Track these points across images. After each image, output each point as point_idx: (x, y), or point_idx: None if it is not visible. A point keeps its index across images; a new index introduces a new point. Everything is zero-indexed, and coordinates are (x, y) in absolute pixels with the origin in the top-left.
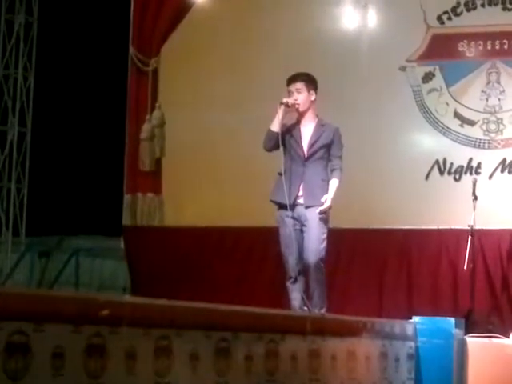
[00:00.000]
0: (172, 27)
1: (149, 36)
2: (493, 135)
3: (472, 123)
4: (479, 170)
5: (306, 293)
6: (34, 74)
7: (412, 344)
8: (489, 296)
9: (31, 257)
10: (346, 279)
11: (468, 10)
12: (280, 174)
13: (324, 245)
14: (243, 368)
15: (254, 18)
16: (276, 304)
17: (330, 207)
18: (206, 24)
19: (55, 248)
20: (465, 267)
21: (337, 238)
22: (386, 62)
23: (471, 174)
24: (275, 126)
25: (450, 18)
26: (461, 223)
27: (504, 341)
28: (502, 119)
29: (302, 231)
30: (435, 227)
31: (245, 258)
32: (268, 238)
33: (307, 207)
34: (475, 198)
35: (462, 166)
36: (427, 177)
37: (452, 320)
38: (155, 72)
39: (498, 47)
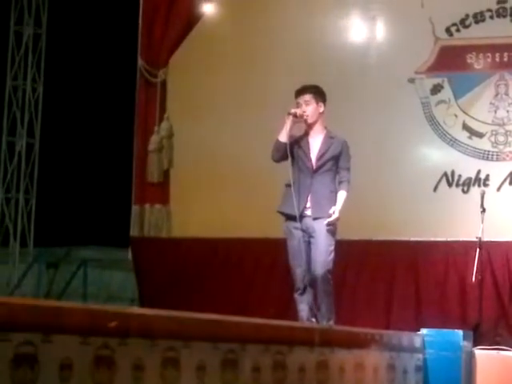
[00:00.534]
0: (180, 39)
1: (157, 47)
2: (501, 147)
3: (480, 135)
4: (487, 182)
5: (314, 304)
6: (43, 86)
7: (420, 356)
8: (497, 308)
9: (39, 268)
10: (354, 291)
11: (476, 22)
12: (287, 186)
13: (332, 256)
14: (250, 380)
15: (262, 29)
16: (284, 315)
17: (337, 219)
18: (214, 36)
19: (63, 259)
20: (473, 279)
21: (344, 250)
22: (395, 74)
23: (479, 186)
24: (283, 137)
25: (458, 30)
26: (469, 235)
27: None
28: (510, 131)
29: (309, 243)
30: (443, 239)
31: (252, 269)
32: (275, 249)
33: (315, 219)
34: (483, 210)
35: (470, 178)
36: (435, 189)
37: (460, 332)
38: (164, 83)
39: (506, 59)
